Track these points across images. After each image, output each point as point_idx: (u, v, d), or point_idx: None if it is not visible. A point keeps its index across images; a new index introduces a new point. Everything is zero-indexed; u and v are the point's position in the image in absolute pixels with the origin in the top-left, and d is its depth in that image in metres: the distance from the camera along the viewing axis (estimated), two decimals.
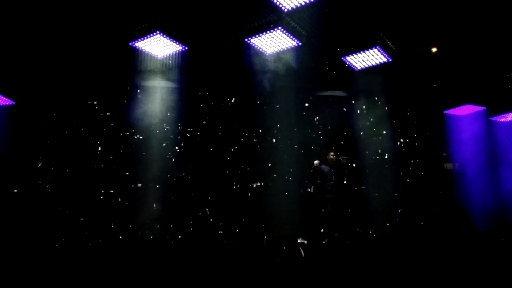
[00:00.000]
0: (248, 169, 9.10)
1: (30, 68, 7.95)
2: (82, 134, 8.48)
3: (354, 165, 9.21)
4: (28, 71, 8.01)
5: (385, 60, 7.80)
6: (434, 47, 8.08)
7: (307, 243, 7.04)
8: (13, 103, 8.45)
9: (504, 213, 9.94)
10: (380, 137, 9.52)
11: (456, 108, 10.04)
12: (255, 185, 9.07)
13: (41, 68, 7.99)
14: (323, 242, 7.66)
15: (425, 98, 9.77)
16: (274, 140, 9.22)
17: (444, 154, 10.48)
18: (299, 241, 7.02)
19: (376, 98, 9.47)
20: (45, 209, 8.05)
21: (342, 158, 8.09)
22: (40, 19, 6.61)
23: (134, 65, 7.72)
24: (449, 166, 10.33)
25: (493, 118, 10.56)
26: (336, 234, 7.81)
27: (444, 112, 10.20)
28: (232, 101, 9.19)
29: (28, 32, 6.90)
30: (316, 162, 8.19)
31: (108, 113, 8.62)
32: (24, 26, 6.72)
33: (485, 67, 8.60)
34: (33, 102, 8.43)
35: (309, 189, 8.60)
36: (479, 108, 10.13)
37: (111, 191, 8.43)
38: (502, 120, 10.69)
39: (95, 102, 8.57)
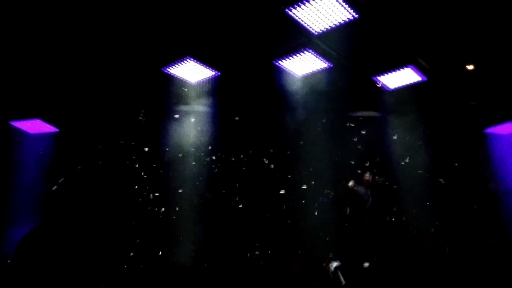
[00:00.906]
0: (282, 191, 9.06)
1: (72, 97, 8.35)
2: (119, 159, 8.77)
3: (390, 187, 8.96)
4: (70, 100, 8.42)
5: (419, 79, 7.64)
6: (471, 64, 7.85)
7: (342, 265, 6.88)
8: (57, 130, 8.89)
9: None
10: (416, 158, 9.25)
11: (498, 126, 9.63)
12: (289, 206, 9.00)
13: (82, 96, 8.38)
14: (364, 265, 7.46)
15: (463, 116, 9.45)
16: (307, 162, 9.15)
17: (488, 174, 10.03)
18: (335, 264, 6.86)
19: (411, 117, 9.25)
20: (87, 234, 8.28)
21: (377, 179, 7.92)
22: (79, 50, 6.99)
23: (168, 90, 7.97)
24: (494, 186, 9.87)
25: None
26: (374, 257, 7.59)
27: (485, 131, 9.81)
28: (265, 124, 9.25)
29: (69, 63, 7.30)
30: (351, 183, 8.05)
31: (144, 137, 8.89)
32: (66, 57, 7.12)
33: None
34: (76, 129, 8.83)
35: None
36: None
37: (147, 215, 8.60)
38: None
39: (131, 127, 8.86)
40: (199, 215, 8.78)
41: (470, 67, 7.80)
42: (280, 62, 7.05)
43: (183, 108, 8.85)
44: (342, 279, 6.13)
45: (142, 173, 8.81)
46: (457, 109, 9.29)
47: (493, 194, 9.98)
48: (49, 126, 8.82)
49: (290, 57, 6.91)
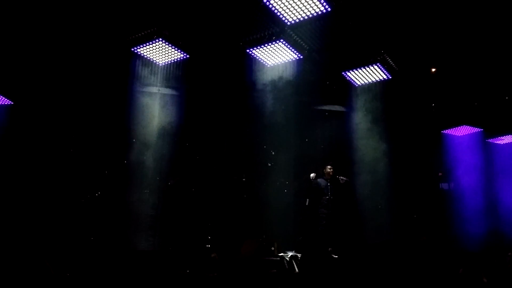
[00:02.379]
0: (244, 179, 9.06)
1: (30, 70, 7.92)
2: (79, 137, 8.43)
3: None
4: (28, 73, 7.99)
5: (385, 77, 7.85)
6: (434, 67, 8.17)
7: (300, 256, 7.02)
8: (12, 103, 8.44)
9: (497, 235, 9.94)
10: (377, 154, 9.52)
11: (454, 129, 10.09)
12: (250, 195, 9.02)
13: (41, 69, 7.96)
14: (318, 256, 7.60)
15: (423, 117, 9.82)
16: (271, 152, 9.19)
17: (440, 174, 10.49)
18: (291, 254, 7.00)
19: (375, 114, 9.51)
20: (38, 212, 7.96)
21: (341, 179, 7.96)
22: (41, 21, 6.63)
23: (135, 70, 7.74)
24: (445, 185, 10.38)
25: (490, 140, 10.63)
26: (330, 249, 7.74)
27: (442, 132, 10.25)
28: (231, 111, 9.18)
29: (28, 33, 6.91)
30: (312, 175, 8.07)
31: (106, 117, 8.57)
32: (25, 27, 6.74)
33: (483, 90, 8.71)
34: (32, 103, 8.39)
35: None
36: (476, 130, 10.19)
37: (105, 196, 8.36)
38: (498, 142, 10.75)
39: (93, 105, 8.51)
40: (159, 199, 8.63)
41: (433, 70, 8.11)
42: (252, 50, 7.02)
43: (149, 89, 8.62)
44: (296, 268, 6.29)
45: (102, 155, 8.50)
46: (418, 109, 9.64)
47: (443, 192, 10.49)
48: (3, 99, 8.37)
49: (263, 46, 6.90)
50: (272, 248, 7.02)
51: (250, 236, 8.09)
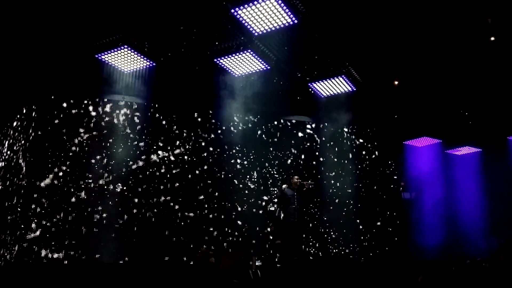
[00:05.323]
0: (210, 190, 8.97)
1: None
2: (38, 147, 8.09)
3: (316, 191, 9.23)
4: None
5: (350, 89, 8.02)
6: (397, 80, 8.43)
7: (262, 264, 7.03)
8: None
9: (456, 244, 10.31)
10: (341, 163, 9.70)
11: (415, 140, 10.43)
12: (216, 206, 8.93)
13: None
14: (280, 265, 7.64)
15: (386, 128, 10.10)
16: (237, 163, 9.17)
17: (402, 183, 10.78)
18: (257, 263, 6.98)
19: (340, 125, 9.70)
20: None
21: (307, 183, 8.07)
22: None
23: (99, 77, 7.55)
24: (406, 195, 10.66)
25: (448, 151, 11.05)
26: (295, 258, 7.78)
27: (404, 142, 10.57)
28: (197, 121, 9.10)
29: None
30: (284, 186, 8.18)
31: (69, 125, 8.28)
32: None
33: (443, 103, 9.07)
34: None
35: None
36: (436, 141, 10.58)
37: (64, 206, 8.05)
38: (456, 153, 11.20)
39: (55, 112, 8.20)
40: (122, 209, 8.38)
41: (396, 82, 8.37)
42: (220, 60, 7.01)
43: (113, 97, 8.40)
44: (259, 273, 6.32)
45: (64, 167, 8.18)
46: (381, 120, 9.91)
47: (405, 201, 10.77)
48: None
49: (230, 56, 6.91)
50: (250, 263, 6.96)
51: (225, 251, 8.06)
